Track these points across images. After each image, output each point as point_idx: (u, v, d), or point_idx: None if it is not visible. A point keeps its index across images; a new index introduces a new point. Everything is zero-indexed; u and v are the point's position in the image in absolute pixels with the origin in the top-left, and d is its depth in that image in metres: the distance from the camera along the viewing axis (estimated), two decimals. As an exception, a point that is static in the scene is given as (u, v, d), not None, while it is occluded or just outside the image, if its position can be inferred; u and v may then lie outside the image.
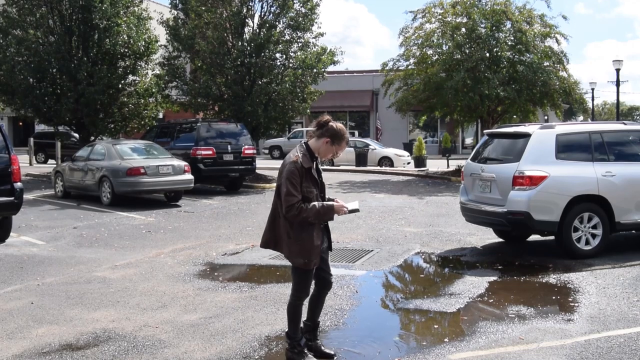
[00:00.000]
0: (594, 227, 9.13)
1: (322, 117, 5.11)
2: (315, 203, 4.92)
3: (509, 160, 9.48)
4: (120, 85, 21.70)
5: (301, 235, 4.95)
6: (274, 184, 20.49)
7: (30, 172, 24.14)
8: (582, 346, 5.53)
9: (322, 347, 5.38)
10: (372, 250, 9.91)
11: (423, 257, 9.73)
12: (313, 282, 5.24)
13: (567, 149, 9.34)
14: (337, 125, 5.04)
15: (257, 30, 21.40)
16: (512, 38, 21.42)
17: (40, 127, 36.61)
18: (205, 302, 7.07)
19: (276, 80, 21.49)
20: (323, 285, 5.27)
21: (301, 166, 4.90)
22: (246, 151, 18.95)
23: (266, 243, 5.23)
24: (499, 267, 8.79)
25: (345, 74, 46.20)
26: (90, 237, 11.35)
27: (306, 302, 5.28)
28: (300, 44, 22.14)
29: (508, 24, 21.60)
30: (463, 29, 21.77)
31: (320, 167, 5.26)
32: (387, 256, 9.51)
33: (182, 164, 16.26)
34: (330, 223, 5.30)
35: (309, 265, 4.99)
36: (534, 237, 10.50)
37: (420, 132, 44.54)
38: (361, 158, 29.01)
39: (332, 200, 5.16)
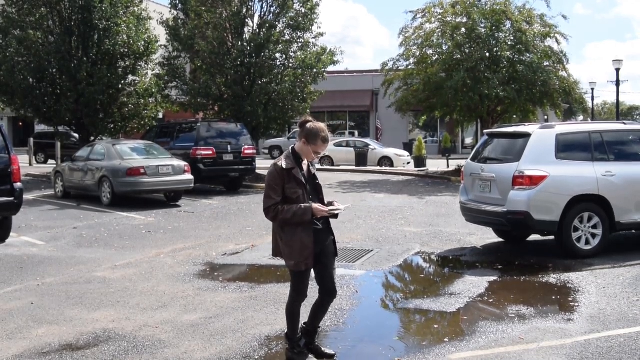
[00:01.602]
0: (594, 227, 9.13)
1: (303, 118, 5.14)
2: (295, 205, 4.90)
3: (509, 160, 9.48)
4: (120, 86, 21.69)
5: (291, 237, 4.96)
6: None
7: (30, 172, 24.14)
8: (582, 346, 5.52)
9: (322, 348, 5.38)
10: (372, 250, 9.90)
11: (423, 257, 9.72)
12: (318, 288, 5.23)
13: (567, 148, 9.33)
14: (314, 124, 5.01)
15: (257, 31, 21.41)
16: (512, 38, 21.42)
17: (40, 127, 36.61)
18: (205, 302, 7.07)
19: (276, 80, 21.49)
20: (325, 293, 5.19)
21: (281, 168, 4.92)
22: (246, 151, 18.95)
23: (275, 252, 5.25)
24: (499, 267, 8.78)
25: (345, 74, 46.18)
26: (90, 238, 11.35)
27: (309, 305, 5.28)
28: (300, 44, 22.15)
29: (508, 24, 21.60)
30: (463, 29, 21.77)
31: (314, 170, 5.22)
32: (387, 256, 9.50)
33: (182, 164, 16.26)
34: (330, 222, 5.29)
35: (300, 267, 4.97)
36: (534, 237, 10.49)
37: (420, 132, 44.51)
38: (361, 158, 29.01)
39: (331, 202, 5.15)
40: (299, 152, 5.06)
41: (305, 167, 5.09)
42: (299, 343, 5.21)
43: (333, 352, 5.36)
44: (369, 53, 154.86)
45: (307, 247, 4.95)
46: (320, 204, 5.02)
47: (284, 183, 4.91)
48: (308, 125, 5.01)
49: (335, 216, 5.11)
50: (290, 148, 5.12)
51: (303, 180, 5.00)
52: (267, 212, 4.94)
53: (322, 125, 5.05)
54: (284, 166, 4.92)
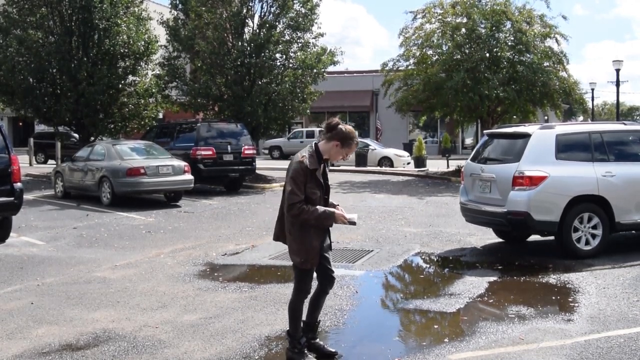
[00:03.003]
0: (594, 227, 9.13)
1: (332, 120, 5.12)
2: (318, 207, 4.95)
3: (509, 161, 9.48)
4: (120, 86, 21.69)
5: (301, 235, 5.01)
6: (274, 184, 20.60)
7: (30, 172, 24.13)
8: (582, 346, 5.52)
9: (324, 347, 5.39)
10: (372, 251, 9.90)
11: (423, 257, 9.72)
12: (317, 281, 5.27)
13: (567, 149, 9.33)
14: (347, 128, 5.03)
15: (257, 31, 21.41)
16: (512, 38, 21.44)
17: (40, 128, 36.61)
18: (205, 303, 7.07)
19: (276, 81, 21.49)
20: (325, 280, 5.26)
21: (306, 167, 4.92)
22: (246, 151, 18.95)
23: (277, 236, 5.33)
24: (499, 268, 8.78)
25: (345, 74, 46.20)
26: (90, 238, 11.35)
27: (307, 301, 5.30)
28: (300, 44, 22.14)
29: (508, 24, 21.61)
30: (463, 29, 21.78)
31: (327, 169, 5.26)
32: (387, 256, 9.50)
33: (182, 164, 16.26)
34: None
35: (306, 265, 5.04)
36: (534, 237, 10.49)
37: (420, 132, 44.50)
38: (361, 158, 29.00)
39: (336, 206, 5.17)
40: (324, 152, 5.06)
41: (321, 167, 5.10)
42: (299, 341, 5.21)
43: (335, 351, 5.37)
44: (369, 53, 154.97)
45: (316, 247, 5.03)
46: (341, 212, 5.06)
47: (306, 181, 4.93)
48: (342, 127, 5.01)
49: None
50: (313, 145, 5.08)
51: (322, 182, 5.04)
52: (291, 208, 4.91)
53: (353, 129, 5.12)
54: (310, 166, 4.93)
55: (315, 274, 5.24)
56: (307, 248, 5.00)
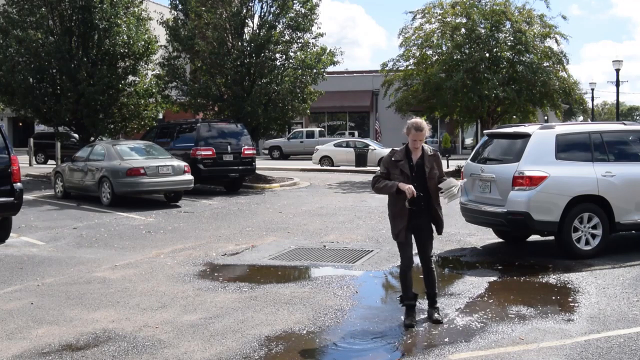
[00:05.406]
0: (594, 227, 9.12)
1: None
2: (389, 181, 6.19)
3: (509, 161, 9.48)
4: (120, 86, 21.67)
5: (390, 211, 6.39)
6: (274, 185, 20.61)
7: (30, 172, 24.14)
8: (582, 346, 5.53)
9: (433, 315, 6.38)
10: (372, 251, 9.90)
11: (423, 257, 9.71)
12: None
13: (567, 149, 9.33)
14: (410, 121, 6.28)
15: (257, 31, 21.41)
16: (512, 38, 21.45)
17: (40, 128, 36.60)
18: (205, 303, 7.08)
19: (276, 81, 21.48)
20: (422, 263, 6.60)
21: (389, 157, 6.32)
22: (246, 151, 18.95)
23: None
24: (499, 268, 8.78)
25: (345, 75, 46.18)
26: (90, 238, 11.35)
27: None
28: (300, 44, 22.14)
29: (508, 24, 21.64)
30: (463, 30, 21.80)
31: (426, 161, 6.24)
32: (387, 256, 9.50)
33: (182, 164, 16.26)
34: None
35: (395, 238, 6.37)
36: (534, 237, 10.49)
37: (420, 133, 44.38)
38: (361, 158, 29.01)
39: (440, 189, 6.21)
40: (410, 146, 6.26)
41: (416, 158, 6.25)
42: (407, 302, 6.39)
43: (441, 320, 6.26)
44: (367, 54, 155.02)
45: (397, 225, 6.25)
46: (409, 186, 6.03)
47: (388, 166, 6.28)
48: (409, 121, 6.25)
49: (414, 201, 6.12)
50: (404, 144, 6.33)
51: (406, 170, 6.18)
52: (373, 179, 6.39)
53: (414, 120, 6.26)
54: (392, 157, 6.28)
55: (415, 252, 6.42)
56: (393, 224, 6.34)
